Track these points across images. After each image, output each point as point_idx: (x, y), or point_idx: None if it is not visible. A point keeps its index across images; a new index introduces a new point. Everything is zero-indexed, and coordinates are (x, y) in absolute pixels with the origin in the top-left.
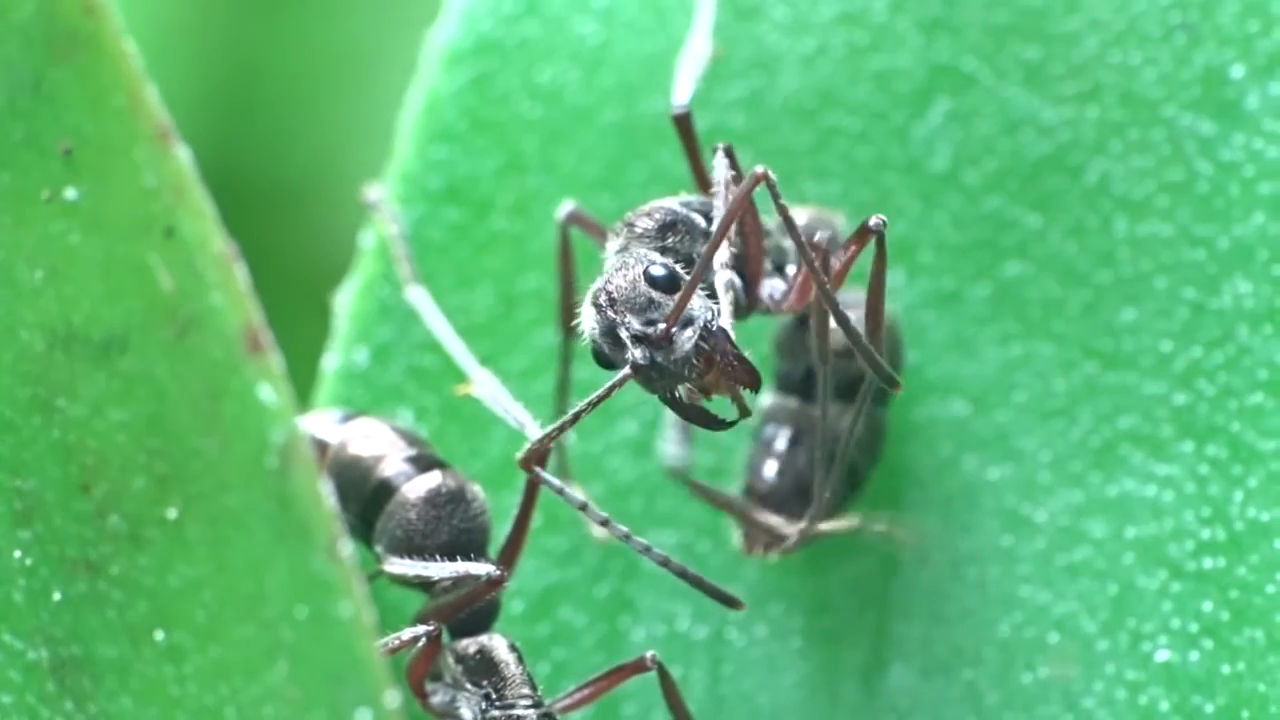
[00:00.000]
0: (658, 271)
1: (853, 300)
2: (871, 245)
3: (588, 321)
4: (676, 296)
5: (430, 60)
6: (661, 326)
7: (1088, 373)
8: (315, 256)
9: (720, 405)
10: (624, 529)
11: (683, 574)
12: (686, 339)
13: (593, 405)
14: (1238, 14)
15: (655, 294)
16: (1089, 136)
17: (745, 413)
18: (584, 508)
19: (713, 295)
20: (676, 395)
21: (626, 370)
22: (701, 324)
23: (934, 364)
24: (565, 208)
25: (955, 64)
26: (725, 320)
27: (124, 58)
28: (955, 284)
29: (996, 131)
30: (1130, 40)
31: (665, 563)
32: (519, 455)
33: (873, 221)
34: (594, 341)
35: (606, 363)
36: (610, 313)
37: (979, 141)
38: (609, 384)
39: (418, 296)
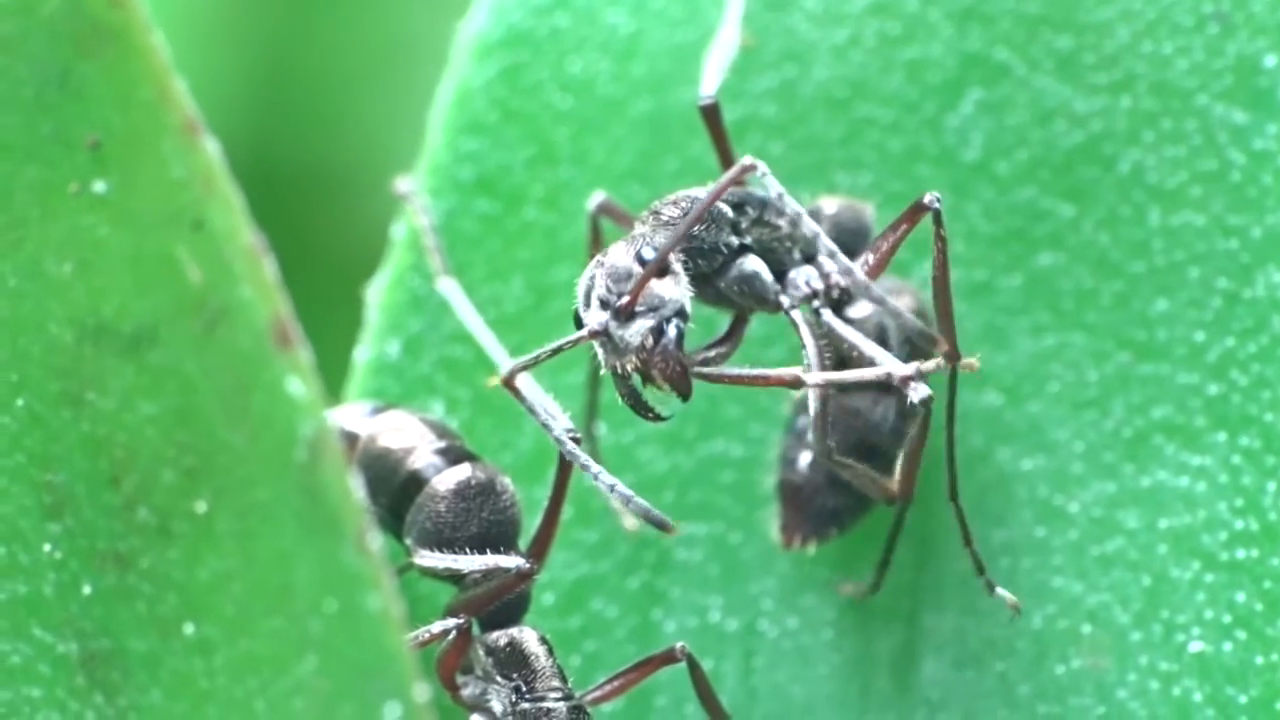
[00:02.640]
0: (647, 253)
1: (891, 286)
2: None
3: (580, 282)
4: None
5: (461, 52)
6: (625, 299)
7: (1121, 363)
8: (347, 248)
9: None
10: (585, 456)
11: (612, 488)
12: (642, 323)
13: (551, 353)
14: (1271, 3)
15: (637, 269)
16: (1121, 126)
17: (658, 417)
18: (546, 426)
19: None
20: (622, 372)
21: (583, 331)
22: (662, 316)
23: (966, 354)
24: (596, 198)
25: (987, 54)
26: (686, 324)
27: (151, 51)
28: (987, 274)
29: (1029, 122)
30: (1162, 30)
31: (612, 488)
32: (499, 375)
33: (926, 198)
34: (576, 301)
35: (578, 323)
36: (596, 274)
37: (1011, 132)
38: (567, 338)
39: (449, 288)
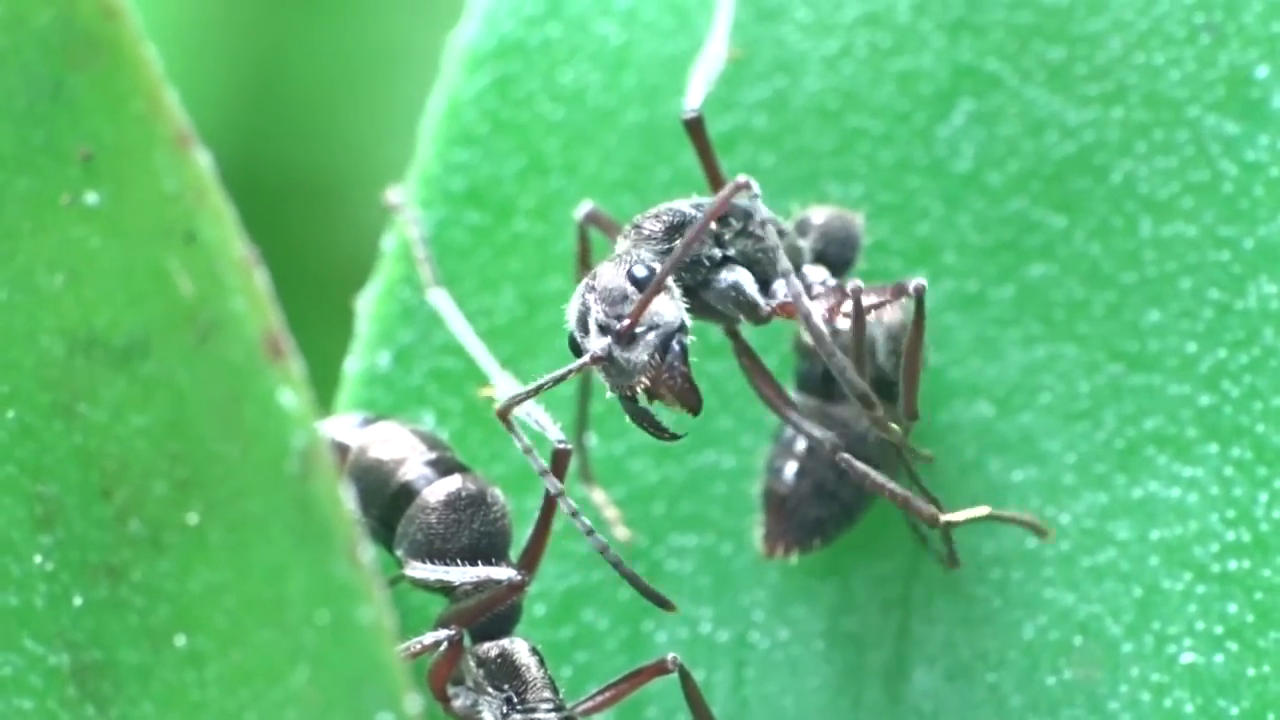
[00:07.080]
0: (639, 271)
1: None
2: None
3: (571, 307)
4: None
5: (452, 62)
6: (626, 322)
7: (1112, 374)
8: (337, 258)
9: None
10: (573, 505)
11: (616, 565)
12: (646, 342)
13: (554, 382)
14: (1262, 14)
15: (631, 290)
16: (1113, 137)
17: (673, 436)
18: (545, 473)
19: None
20: (630, 394)
21: (586, 358)
22: (664, 333)
23: (958, 366)
24: (583, 208)
25: (979, 65)
26: (688, 338)
27: (143, 63)
28: (979, 286)
29: (1020, 133)
30: (1154, 41)
31: (604, 551)
32: (496, 406)
33: (912, 285)
34: (570, 327)
35: (575, 349)
36: (589, 299)
37: (1003, 143)
38: (569, 366)
39: (440, 299)
